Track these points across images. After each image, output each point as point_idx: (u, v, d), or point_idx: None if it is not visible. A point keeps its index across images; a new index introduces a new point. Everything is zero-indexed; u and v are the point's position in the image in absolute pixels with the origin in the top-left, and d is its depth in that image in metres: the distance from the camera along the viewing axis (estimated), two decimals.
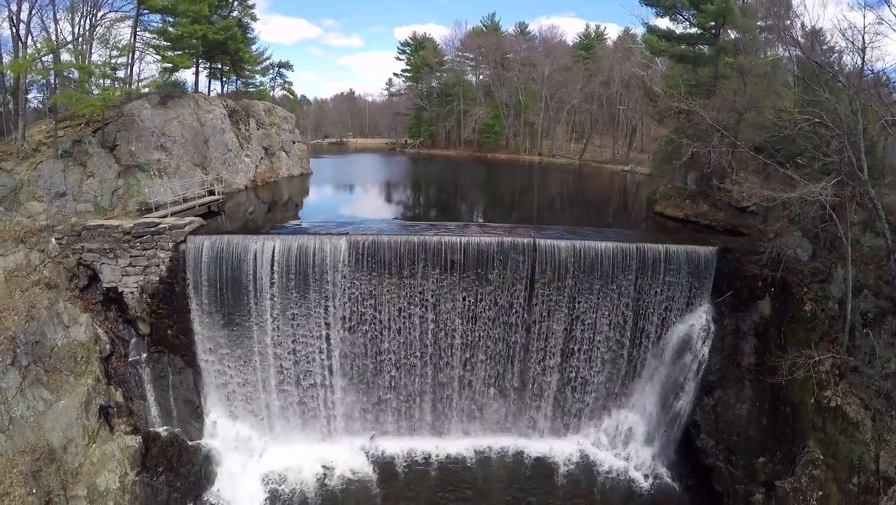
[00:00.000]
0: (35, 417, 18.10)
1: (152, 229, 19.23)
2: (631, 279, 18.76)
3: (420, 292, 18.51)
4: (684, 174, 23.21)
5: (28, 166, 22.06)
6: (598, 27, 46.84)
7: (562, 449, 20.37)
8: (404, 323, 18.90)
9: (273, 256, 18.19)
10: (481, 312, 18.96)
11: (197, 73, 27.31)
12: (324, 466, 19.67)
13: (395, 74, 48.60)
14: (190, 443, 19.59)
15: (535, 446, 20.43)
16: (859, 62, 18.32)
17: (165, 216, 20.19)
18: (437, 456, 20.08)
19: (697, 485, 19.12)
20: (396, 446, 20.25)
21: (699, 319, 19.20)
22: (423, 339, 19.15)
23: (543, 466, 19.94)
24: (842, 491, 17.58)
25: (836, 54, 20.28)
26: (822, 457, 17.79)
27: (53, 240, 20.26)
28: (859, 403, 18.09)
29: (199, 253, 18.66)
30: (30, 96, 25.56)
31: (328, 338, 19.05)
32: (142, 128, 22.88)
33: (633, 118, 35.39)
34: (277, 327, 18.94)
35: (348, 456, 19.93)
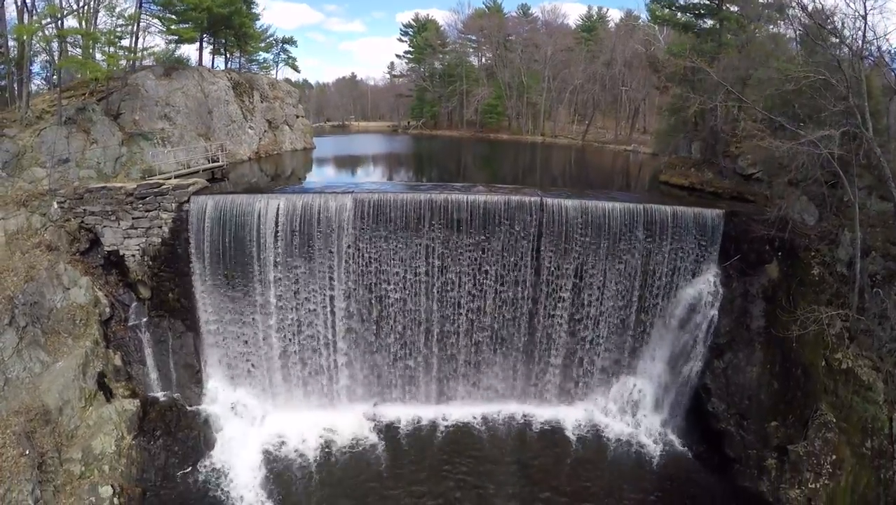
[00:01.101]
0: (31, 379, 17.52)
1: (155, 190, 18.86)
2: (639, 240, 18.44)
3: (426, 252, 18.10)
4: (688, 144, 23.08)
5: (31, 133, 21.76)
6: (600, 9, 47.80)
7: (570, 416, 19.77)
8: (409, 284, 18.49)
9: (277, 215, 17.76)
10: (487, 274, 18.56)
11: (201, 49, 27.23)
12: (326, 433, 18.98)
13: (398, 56, 48.66)
14: (189, 408, 18.97)
15: (543, 413, 19.83)
16: (861, 27, 18.36)
17: (169, 178, 19.91)
18: (442, 423, 19.41)
19: (708, 451, 18.55)
20: (401, 413, 19.59)
21: (707, 283, 18.83)
22: (429, 301, 18.69)
23: (552, 433, 19.30)
24: (855, 455, 17.10)
25: (840, 22, 20.29)
26: (834, 420, 17.36)
27: (55, 203, 19.88)
28: (870, 365, 17.71)
29: (203, 213, 18.25)
30: (33, 69, 25.43)
31: (332, 299, 18.55)
32: (146, 97, 22.67)
33: (636, 99, 35.47)
34: (280, 288, 18.39)
35: (351, 423, 19.28)
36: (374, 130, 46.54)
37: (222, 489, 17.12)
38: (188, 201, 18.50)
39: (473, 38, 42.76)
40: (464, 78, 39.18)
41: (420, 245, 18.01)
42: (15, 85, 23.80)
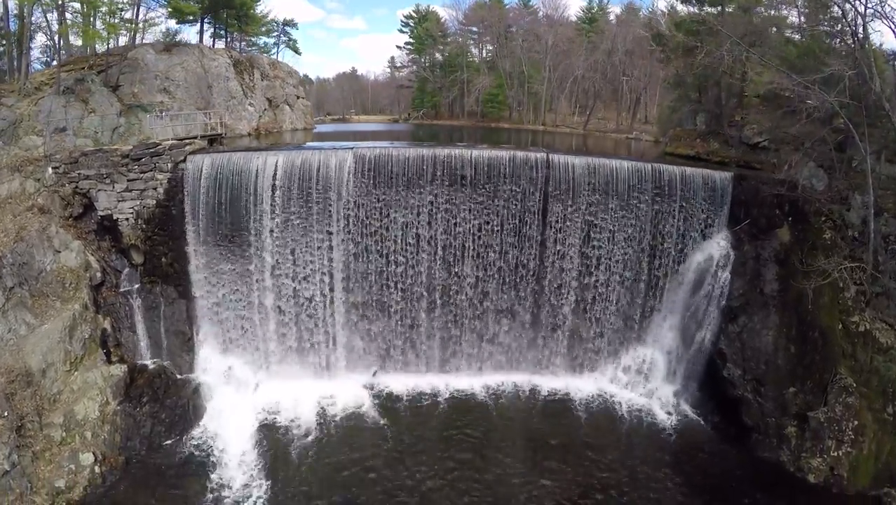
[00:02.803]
0: (15, 341, 16.86)
1: (151, 151, 18.54)
2: (647, 201, 18.15)
3: (429, 210, 17.64)
4: (693, 116, 23.11)
5: (29, 103, 21.64)
6: (601, 1, 48.93)
7: (579, 386, 18.99)
8: (411, 245, 18.03)
9: (275, 172, 17.25)
10: (492, 235, 18.11)
11: (201, 32, 27.54)
12: (322, 403, 18.15)
13: (399, 47, 49.21)
14: (179, 376, 18.18)
15: (550, 384, 19.05)
16: None
17: (167, 139, 19.71)
18: (445, 393, 18.58)
19: (724, 421, 17.71)
20: (401, 382, 18.78)
21: (718, 247, 18.37)
22: (431, 263, 18.22)
23: (560, 404, 18.48)
24: (877, 421, 16.42)
25: None
26: (854, 384, 16.77)
27: (50, 169, 19.52)
28: (888, 328, 17.29)
29: (199, 171, 17.84)
30: (33, 49, 25.67)
31: (330, 261, 18.05)
32: (145, 71, 22.65)
33: (637, 88, 35.87)
34: (277, 250, 17.84)
35: (349, 392, 18.48)
36: (374, 122, 47.22)
37: (210, 460, 16.23)
38: (184, 160, 18.21)
39: (475, 29, 43.75)
40: (465, 68, 39.90)
41: (422, 203, 17.64)
42: (15, 61, 23.95)
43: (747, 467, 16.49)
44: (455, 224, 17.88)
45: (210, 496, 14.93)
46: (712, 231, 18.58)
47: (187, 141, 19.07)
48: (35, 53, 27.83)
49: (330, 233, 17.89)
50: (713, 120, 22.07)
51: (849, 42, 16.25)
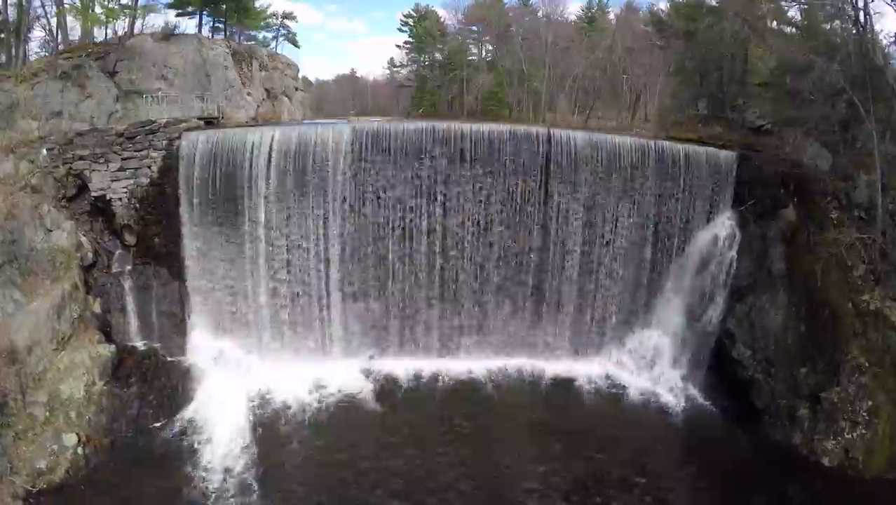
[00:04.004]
0: (2, 318, 16.59)
1: (146, 129, 18.49)
2: (651, 181, 18.01)
3: (427, 187, 17.50)
4: (695, 101, 23.30)
5: (26, 87, 21.83)
6: (600, 1, 49.80)
7: (583, 370, 18.58)
8: (409, 223, 17.89)
9: (271, 148, 17.14)
10: (493, 215, 17.95)
11: (200, 25, 28.11)
12: (317, 387, 17.74)
13: (398, 46, 49.81)
14: (169, 358, 17.80)
15: (554, 367, 18.63)
16: None
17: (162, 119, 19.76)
18: (445, 376, 18.16)
19: (734, 404, 17.24)
20: (400, 366, 18.37)
21: (723, 226, 18.23)
22: (431, 242, 17.99)
23: (564, 389, 18.07)
24: (891, 402, 16.09)
25: None
26: (867, 364, 16.51)
27: (45, 150, 19.50)
28: None
29: (194, 148, 17.74)
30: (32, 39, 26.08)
31: (326, 240, 17.87)
32: (143, 58, 22.83)
33: (638, 85, 36.21)
34: (271, 228, 17.62)
35: (345, 376, 18.03)
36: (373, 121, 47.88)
37: (199, 444, 15.80)
38: (179, 137, 18.21)
39: (474, 28, 44.46)
40: (464, 66, 40.44)
41: (421, 178, 17.51)
42: (13, 49, 24.23)
43: (759, 451, 16.05)
44: (454, 200, 17.76)
45: (197, 481, 14.49)
46: (717, 211, 18.49)
47: (183, 119, 19.09)
48: (34, 47, 28.23)
49: (326, 210, 17.74)
50: (715, 104, 22.25)
51: (850, 16, 16.39)
